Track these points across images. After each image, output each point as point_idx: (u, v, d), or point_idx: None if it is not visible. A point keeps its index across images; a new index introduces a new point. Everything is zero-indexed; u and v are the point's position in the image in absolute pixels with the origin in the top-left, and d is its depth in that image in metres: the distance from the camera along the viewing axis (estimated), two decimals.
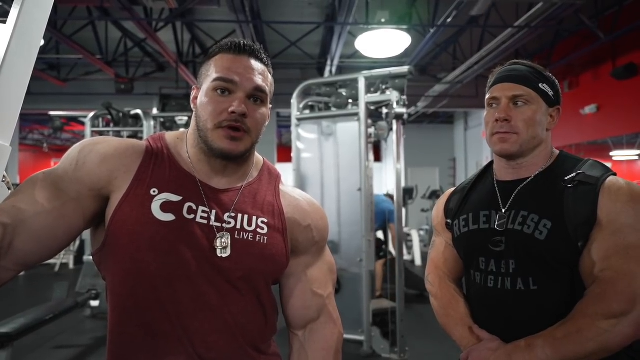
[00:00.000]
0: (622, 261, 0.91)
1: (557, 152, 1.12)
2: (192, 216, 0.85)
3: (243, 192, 0.92)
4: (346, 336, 3.63)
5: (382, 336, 3.53)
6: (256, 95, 0.88)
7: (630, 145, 11.22)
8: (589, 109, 6.94)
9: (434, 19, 5.37)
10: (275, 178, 1.01)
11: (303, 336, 1.00)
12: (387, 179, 10.49)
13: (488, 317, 1.07)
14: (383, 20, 4.93)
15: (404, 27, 5.12)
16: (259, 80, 0.87)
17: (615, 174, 1.01)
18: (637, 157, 11.68)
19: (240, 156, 0.89)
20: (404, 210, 7.29)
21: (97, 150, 0.86)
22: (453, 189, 1.29)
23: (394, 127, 3.47)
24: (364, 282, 3.52)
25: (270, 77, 0.93)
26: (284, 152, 9.49)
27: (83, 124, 4.97)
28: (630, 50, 6.22)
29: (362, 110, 3.53)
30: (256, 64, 0.89)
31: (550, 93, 1.09)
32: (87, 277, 4.37)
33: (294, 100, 3.84)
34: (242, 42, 0.89)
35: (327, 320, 1.00)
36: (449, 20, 5.03)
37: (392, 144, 3.55)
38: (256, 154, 1.02)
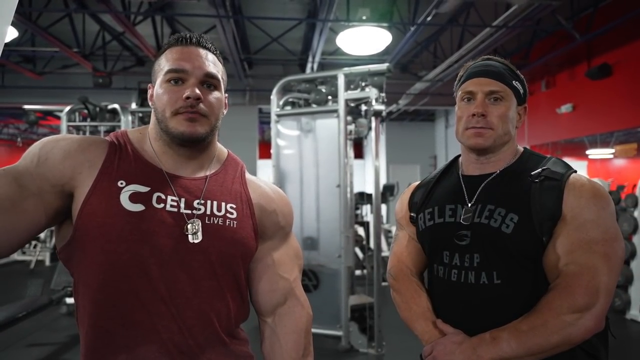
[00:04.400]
0: (586, 256, 0.94)
1: (522, 148, 1.14)
2: (161, 205, 0.87)
3: (210, 181, 0.95)
4: (324, 331, 3.68)
5: (360, 331, 3.56)
6: (208, 82, 0.90)
7: (605, 144, 11.51)
8: (564, 108, 7.10)
9: (414, 17, 5.41)
10: (241, 168, 1.04)
11: (273, 322, 1.02)
12: (368, 176, 10.55)
13: (451, 310, 1.08)
14: (364, 18, 4.95)
15: (385, 24, 5.15)
16: (209, 66, 0.90)
17: (576, 172, 1.04)
18: (611, 156, 12.00)
19: (202, 139, 0.91)
20: (385, 207, 7.36)
21: (59, 146, 0.86)
22: (417, 182, 1.29)
23: (373, 124, 3.50)
24: (343, 278, 3.55)
25: (221, 65, 0.96)
26: (267, 149, 9.47)
27: (59, 118, 4.86)
28: (605, 51, 6.38)
29: (341, 106, 3.54)
30: (205, 53, 0.92)
31: (521, 91, 1.10)
32: (63, 274, 4.29)
33: (273, 96, 3.83)
34: (189, 34, 0.92)
35: (295, 303, 1.03)
36: (429, 18, 5.07)
37: (372, 141, 3.57)
38: (220, 145, 1.04)
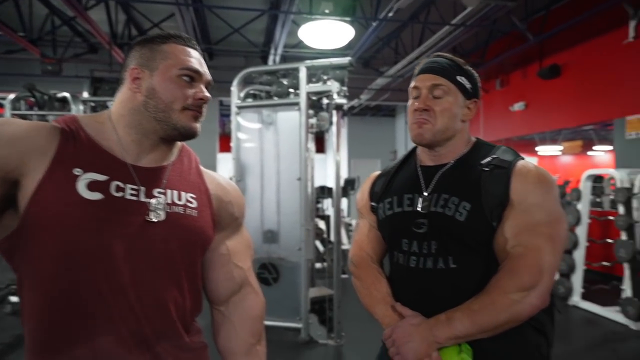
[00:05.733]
0: (531, 237, 0.99)
1: (474, 139, 1.19)
2: (120, 194, 0.85)
3: (170, 171, 0.95)
4: (284, 324, 3.69)
5: (320, 323, 3.60)
6: (207, 87, 0.96)
7: (553, 141, 12.12)
8: (517, 106, 7.41)
9: (376, 12, 5.47)
10: (195, 159, 1.04)
11: (227, 310, 1.04)
12: (330, 170, 10.61)
13: (410, 295, 1.12)
14: (327, 11, 4.95)
15: (348, 19, 5.17)
16: (209, 74, 0.97)
17: (523, 159, 1.10)
18: (559, 153, 12.65)
19: (196, 136, 0.95)
20: (346, 201, 7.43)
21: (3, 131, 0.81)
22: (378, 172, 1.32)
23: (334, 117, 3.51)
24: (303, 271, 3.56)
25: None
26: (227, 142, 9.33)
27: (2, 106, 4.57)
28: (555, 52, 6.70)
29: (302, 99, 3.53)
30: (202, 60, 0.97)
31: (468, 86, 1.14)
32: (7, 271, 4.06)
33: (234, 88, 3.77)
34: (188, 36, 0.97)
35: (250, 291, 1.06)
36: (390, 14, 5.14)
37: (333, 135, 3.59)
38: None
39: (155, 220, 0.86)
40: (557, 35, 5.93)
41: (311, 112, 4.05)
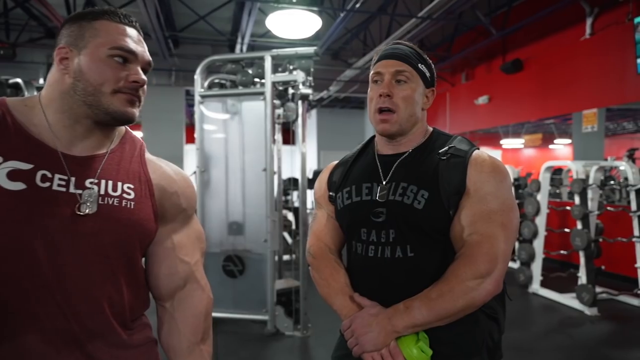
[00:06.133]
0: (486, 225, 1.01)
1: (431, 129, 1.20)
2: (47, 184, 0.80)
3: (107, 159, 0.89)
4: (250, 316, 3.66)
5: (286, 315, 3.58)
6: (145, 69, 0.90)
7: (517, 134, 12.51)
8: (481, 100, 7.58)
9: (344, 3, 5.44)
10: (140, 146, 0.98)
11: (171, 306, 0.99)
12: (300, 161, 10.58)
13: (369, 285, 1.12)
14: (294, 1, 4.89)
15: (315, 9, 5.11)
16: (148, 55, 0.91)
17: (478, 148, 1.11)
18: (522, 146, 13.07)
19: (133, 121, 0.90)
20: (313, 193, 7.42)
21: None
22: (336, 162, 1.31)
23: (300, 108, 3.48)
24: (269, 263, 3.53)
25: None
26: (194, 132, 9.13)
27: None
28: (518, 47, 6.88)
29: (268, 89, 3.48)
30: (141, 39, 0.91)
31: (427, 74, 1.15)
32: None
33: (197, 76, 3.67)
34: (124, 12, 0.89)
35: (195, 287, 1.00)
36: (357, 5, 5.12)
37: (299, 126, 3.56)
38: None
39: (85, 214, 0.81)
40: (519, 30, 6.09)
41: (278, 102, 4.01)
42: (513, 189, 5.41)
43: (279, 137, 4.63)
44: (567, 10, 5.56)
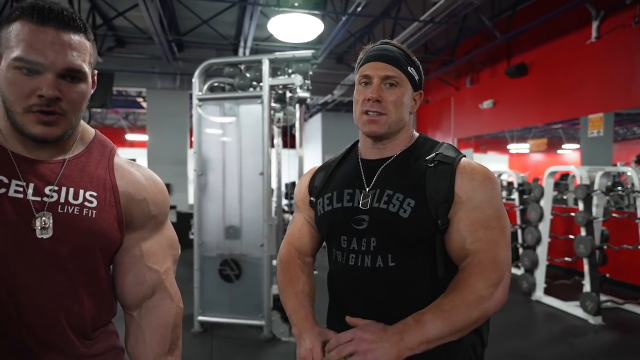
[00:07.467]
0: (487, 232, 0.98)
1: (417, 134, 1.16)
2: (2, 190, 0.76)
3: (69, 165, 0.85)
4: (246, 322, 3.63)
5: (283, 320, 3.54)
6: (72, 75, 0.78)
7: (523, 139, 12.39)
8: (486, 104, 7.51)
9: (346, 6, 5.42)
10: (109, 151, 0.93)
11: (138, 315, 0.96)
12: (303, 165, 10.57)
13: (349, 295, 1.08)
14: (296, 4, 4.88)
15: (318, 13, 5.10)
16: (72, 57, 0.77)
17: (465, 156, 1.07)
18: (528, 151, 12.94)
19: (59, 139, 0.82)
20: None
21: None
22: (318, 165, 1.27)
23: (297, 112, 3.45)
24: (265, 267, 3.50)
25: (89, 46, 0.82)
26: None
27: None
28: (522, 51, 6.81)
29: (265, 92, 3.46)
30: (68, 37, 0.77)
31: (416, 77, 1.11)
32: None
33: (195, 80, 3.66)
34: (47, 5, 0.76)
35: (164, 296, 0.97)
36: (359, 9, 5.10)
37: (297, 130, 3.53)
38: (87, 125, 0.94)
39: (42, 224, 0.78)
40: (523, 34, 6.02)
41: (277, 106, 3.98)
42: (517, 194, 5.33)
43: (278, 140, 4.61)
44: (572, 13, 5.49)
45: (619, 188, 6.20)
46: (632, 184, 4.32)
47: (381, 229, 1.03)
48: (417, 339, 0.89)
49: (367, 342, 0.89)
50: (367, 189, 1.08)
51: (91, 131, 0.94)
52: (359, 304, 1.05)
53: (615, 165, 7.14)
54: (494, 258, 0.96)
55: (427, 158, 1.05)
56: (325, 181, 1.19)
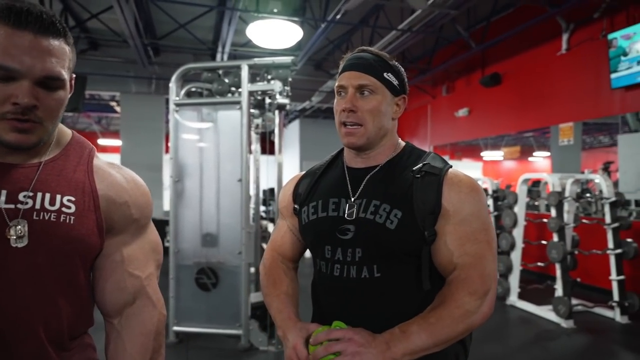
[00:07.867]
0: (475, 246, 0.98)
1: (404, 143, 1.15)
2: None
3: (44, 169, 0.81)
4: (224, 331, 3.56)
5: (261, 329, 3.49)
6: (48, 83, 0.75)
7: (496, 147, 12.69)
8: (462, 112, 7.66)
9: (325, 13, 5.45)
10: (88, 152, 0.90)
11: (119, 323, 0.92)
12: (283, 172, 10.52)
13: (334, 305, 1.06)
14: (275, 10, 4.88)
15: (297, 19, 5.11)
16: (51, 64, 0.74)
17: (452, 166, 1.07)
18: (502, 158, 13.26)
19: (34, 147, 0.79)
20: None
21: None
22: (303, 172, 1.25)
23: (277, 118, 3.43)
24: (243, 275, 3.45)
25: (67, 50, 0.79)
26: None
27: None
28: (497, 61, 6.99)
29: (244, 98, 3.43)
30: (47, 42, 0.74)
31: (395, 82, 1.09)
32: None
33: (172, 85, 3.60)
34: (25, 7, 0.72)
35: (146, 303, 0.93)
36: (338, 16, 5.13)
37: (275, 136, 3.51)
38: (63, 127, 0.90)
39: (16, 233, 0.74)
40: (497, 44, 6.18)
41: (256, 112, 3.95)
42: (492, 200, 5.44)
43: (257, 146, 4.58)
44: (543, 25, 5.67)
45: (588, 195, 6.40)
46: (600, 191, 4.47)
47: (367, 239, 1.02)
48: (402, 350, 0.90)
49: (356, 345, 0.90)
50: (353, 199, 1.06)
51: (68, 132, 0.90)
52: (343, 313, 1.03)
53: (583, 172, 7.38)
54: (481, 272, 0.97)
55: (414, 169, 1.04)
56: (310, 189, 1.17)
